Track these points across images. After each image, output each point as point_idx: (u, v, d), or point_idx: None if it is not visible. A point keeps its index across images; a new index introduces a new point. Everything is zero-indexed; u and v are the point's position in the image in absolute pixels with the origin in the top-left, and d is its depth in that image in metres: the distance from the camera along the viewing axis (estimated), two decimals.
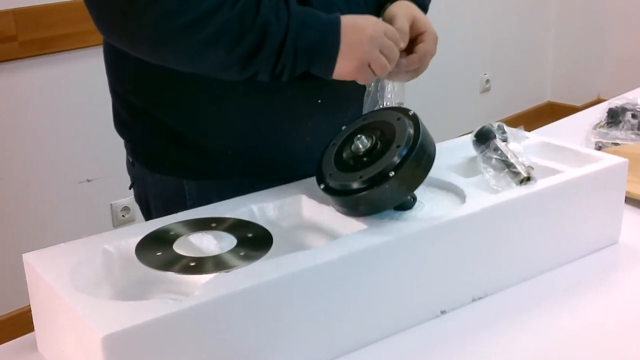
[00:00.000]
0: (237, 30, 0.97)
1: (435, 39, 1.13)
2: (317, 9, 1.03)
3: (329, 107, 1.13)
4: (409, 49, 1.11)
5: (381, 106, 1.11)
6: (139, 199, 1.26)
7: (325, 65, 1.02)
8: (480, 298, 1.03)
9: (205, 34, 0.96)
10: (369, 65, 1.03)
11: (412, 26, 1.11)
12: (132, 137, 1.20)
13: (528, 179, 1.06)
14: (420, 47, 1.11)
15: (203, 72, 1.04)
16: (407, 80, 1.12)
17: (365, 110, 1.13)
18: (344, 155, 1.00)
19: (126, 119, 1.18)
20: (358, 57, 1.02)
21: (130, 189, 1.28)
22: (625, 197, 1.19)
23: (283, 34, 0.98)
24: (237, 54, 0.98)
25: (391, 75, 1.11)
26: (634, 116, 1.57)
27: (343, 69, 1.03)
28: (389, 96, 1.11)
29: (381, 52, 1.03)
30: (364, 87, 1.18)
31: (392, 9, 1.13)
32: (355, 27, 1.02)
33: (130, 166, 1.25)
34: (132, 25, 0.98)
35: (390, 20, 1.11)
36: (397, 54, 1.05)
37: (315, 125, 1.13)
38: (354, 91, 1.16)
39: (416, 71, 1.12)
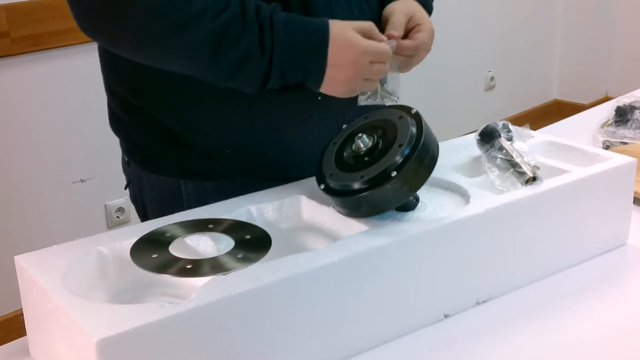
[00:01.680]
0: (215, 43, 0.97)
1: (432, 33, 1.13)
2: (317, 7, 1.04)
3: (330, 105, 1.13)
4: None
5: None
6: (134, 199, 1.27)
7: (313, 86, 1.05)
8: (484, 301, 1.03)
9: (185, 41, 0.97)
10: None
11: (410, 20, 1.12)
12: (128, 136, 1.20)
13: (534, 179, 1.06)
14: (417, 36, 1.12)
15: (189, 75, 1.04)
16: (403, 70, 1.13)
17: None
18: (345, 154, 1.00)
19: (122, 118, 1.19)
20: (342, 89, 1.04)
21: (125, 189, 1.28)
22: (634, 198, 1.19)
23: (268, 62, 0.99)
24: (218, 67, 0.99)
25: None
26: None
27: (329, 92, 1.05)
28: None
29: (367, 78, 1.05)
30: None
31: (392, 5, 1.14)
32: (340, 60, 1.01)
33: (126, 166, 1.25)
34: (112, 25, 0.99)
35: (388, 16, 1.11)
36: (384, 73, 1.06)
37: (315, 123, 1.13)
38: None
39: (408, 62, 1.12)
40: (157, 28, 0.96)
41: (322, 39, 1.01)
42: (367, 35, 1.03)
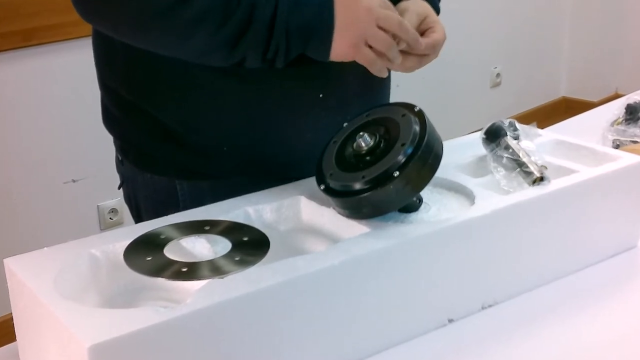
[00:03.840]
0: (222, 10, 0.97)
1: (445, 37, 1.13)
2: None
3: (331, 102, 1.13)
4: None
5: None
6: (128, 199, 1.27)
7: (321, 46, 1.02)
8: (490, 306, 1.03)
9: (190, 14, 0.97)
10: (368, 43, 1.02)
11: (423, 22, 1.11)
12: (122, 133, 1.21)
13: (541, 179, 1.06)
14: (433, 36, 1.11)
15: (189, 58, 1.04)
16: (410, 70, 1.12)
17: None
18: (346, 153, 1.00)
19: (115, 114, 1.19)
20: (355, 34, 1.01)
21: (119, 189, 1.29)
22: None
23: (271, 13, 0.98)
24: (223, 35, 0.98)
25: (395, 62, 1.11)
26: None
27: (340, 49, 1.02)
28: None
29: (379, 26, 1.01)
30: (368, 81, 1.18)
31: (405, 4, 1.13)
32: (349, 5, 1.00)
33: (120, 165, 1.25)
34: (113, 6, 0.99)
35: (400, 14, 1.11)
36: (396, 24, 1.03)
37: (316, 122, 1.13)
38: (358, 85, 1.16)
39: (419, 62, 1.12)
40: (159, 5, 0.96)
41: None
42: None
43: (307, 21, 1.00)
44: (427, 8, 1.14)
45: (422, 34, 1.12)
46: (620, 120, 1.60)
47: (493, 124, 1.15)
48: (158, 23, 0.99)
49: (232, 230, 0.96)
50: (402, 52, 1.08)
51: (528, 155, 1.09)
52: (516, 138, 1.13)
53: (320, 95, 1.12)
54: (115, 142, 1.24)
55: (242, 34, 0.99)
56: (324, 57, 1.03)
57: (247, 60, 1.01)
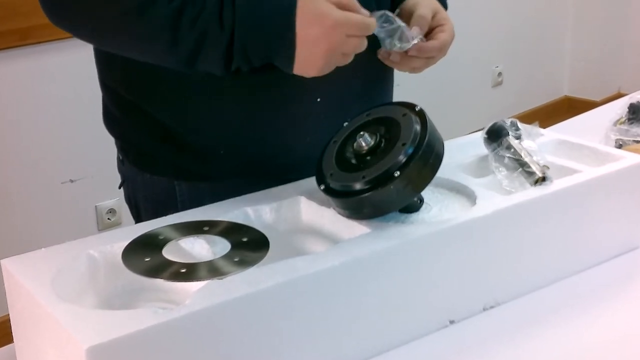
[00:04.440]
0: (172, 28, 0.97)
1: (453, 35, 1.13)
2: None
3: (330, 106, 1.13)
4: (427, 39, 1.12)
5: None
6: (128, 199, 1.27)
7: (284, 66, 1.01)
8: (491, 307, 1.03)
9: (142, 26, 0.98)
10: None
11: (434, 18, 1.11)
12: (122, 133, 1.21)
13: (543, 179, 1.06)
14: (440, 36, 1.11)
15: (159, 64, 1.04)
16: (418, 71, 1.12)
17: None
18: (346, 153, 1.00)
19: (115, 114, 1.19)
20: (318, 67, 1.00)
21: (119, 188, 1.29)
22: None
23: (228, 38, 0.98)
24: (178, 52, 0.99)
25: (404, 63, 1.11)
26: None
27: (303, 72, 1.01)
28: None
29: (344, 53, 1.00)
30: (369, 83, 1.18)
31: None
32: (310, 34, 0.97)
33: (120, 164, 1.26)
34: (71, 11, 1.01)
35: (411, 9, 1.11)
36: (363, 46, 1.01)
37: (315, 125, 1.13)
38: (359, 86, 1.16)
39: (426, 63, 1.12)
40: (111, 14, 0.98)
41: (288, 12, 0.97)
42: (344, 7, 0.99)
43: (266, 47, 0.99)
44: (436, 4, 1.14)
45: (431, 31, 1.12)
46: (623, 119, 1.60)
47: (495, 124, 1.15)
48: (113, 31, 1.00)
49: (231, 231, 0.96)
50: (410, 56, 1.09)
51: (530, 155, 1.09)
52: (518, 138, 1.13)
53: (319, 100, 1.12)
54: (115, 142, 1.24)
55: (196, 55, 0.99)
56: (289, 70, 1.02)
57: (213, 73, 1.02)
